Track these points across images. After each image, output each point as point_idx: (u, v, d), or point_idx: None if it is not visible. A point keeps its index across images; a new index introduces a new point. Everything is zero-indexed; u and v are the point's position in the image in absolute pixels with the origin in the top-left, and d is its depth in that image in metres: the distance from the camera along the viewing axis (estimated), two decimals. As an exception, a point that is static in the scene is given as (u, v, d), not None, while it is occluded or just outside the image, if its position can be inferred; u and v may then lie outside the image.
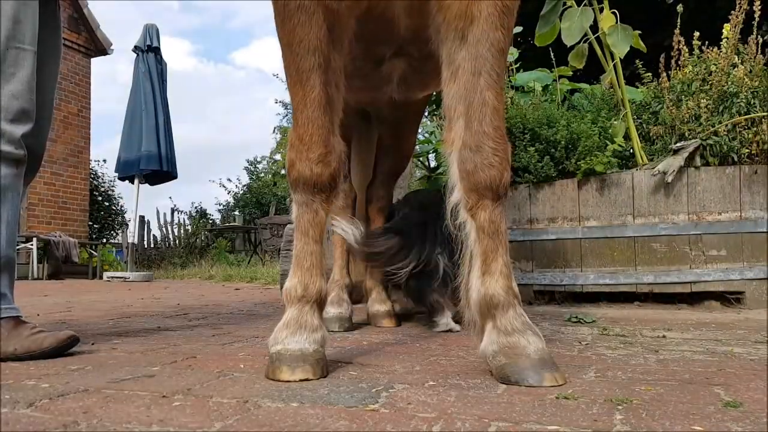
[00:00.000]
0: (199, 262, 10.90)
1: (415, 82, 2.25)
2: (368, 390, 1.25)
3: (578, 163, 3.26)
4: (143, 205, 24.57)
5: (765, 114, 3.16)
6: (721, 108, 3.29)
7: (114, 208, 13.29)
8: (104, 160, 13.15)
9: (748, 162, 3.15)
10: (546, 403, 1.14)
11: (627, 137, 3.32)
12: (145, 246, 12.99)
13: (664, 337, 2.09)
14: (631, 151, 3.36)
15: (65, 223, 10.66)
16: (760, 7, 3.46)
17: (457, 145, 1.45)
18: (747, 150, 3.17)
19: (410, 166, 4.89)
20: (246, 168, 19.43)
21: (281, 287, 1.97)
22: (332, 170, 1.52)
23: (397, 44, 1.94)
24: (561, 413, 1.06)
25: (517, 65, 4.61)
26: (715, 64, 3.40)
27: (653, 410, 1.09)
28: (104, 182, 13.09)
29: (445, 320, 2.26)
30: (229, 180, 18.76)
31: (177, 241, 13.48)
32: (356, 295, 2.71)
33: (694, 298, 3.11)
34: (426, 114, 4.92)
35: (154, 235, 13.61)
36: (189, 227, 14.11)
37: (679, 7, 3.57)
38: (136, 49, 9.18)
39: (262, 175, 18.91)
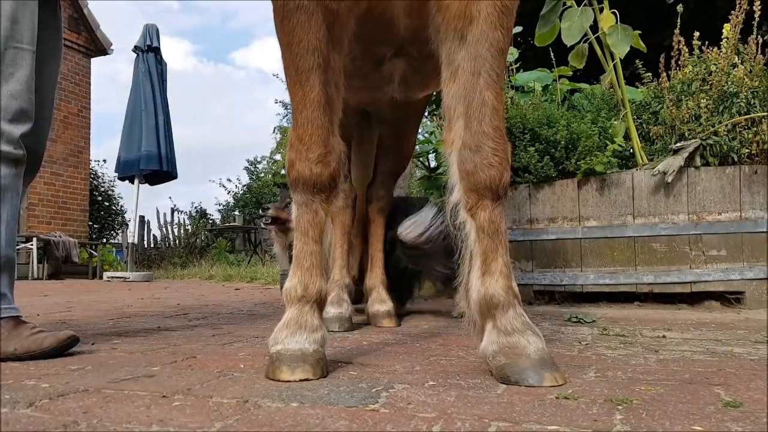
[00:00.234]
0: (199, 262, 10.89)
1: (416, 82, 2.25)
2: (368, 390, 1.25)
3: (578, 163, 3.26)
4: (143, 205, 24.61)
5: (765, 114, 3.16)
6: (721, 108, 3.29)
7: (114, 208, 13.29)
8: (104, 160, 13.18)
9: (748, 162, 3.15)
10: (546, 403, 1.14)
11: (627, 137, 3.32)
12: (145, 246, 12.99)
13: (664, 337, 2.09)
14: (631, 151, 3.36)
15: (65, 223, 10.66)
16: (760, 7, 3.46)
17: (456, 145, 1.45)
18: (747, 150, 3.17)
19: (410, 166, 4.89)
20: (246, 168, 19.45)
21: (281, 287, 1.97)
22: (332, 170, 1.52)
23: (397, 44, 1.94)
24: (561, 413, 1.06)
25: (517, 65, 4.61)
26: (715, 64, 3.40)
27: (653, 410, 1.08)
28: (104, 182, 13.10)
29: None
30: (229, 180, 18.79)
31: (177, 241, 13.47)
32: (356, 295, 2.71)
33: (694, 298, 3.11)
34: (426, 114, 4.92)
35: (154, 235, 13.61)
36: (189, 227, 14.11)
37: (679, 7, 3.56)
38: (136, 49, 9.18)
39: (262, 175, 18.90)
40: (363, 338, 2.12)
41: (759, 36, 3.49)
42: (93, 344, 1.97)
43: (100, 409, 1.10)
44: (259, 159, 19.76)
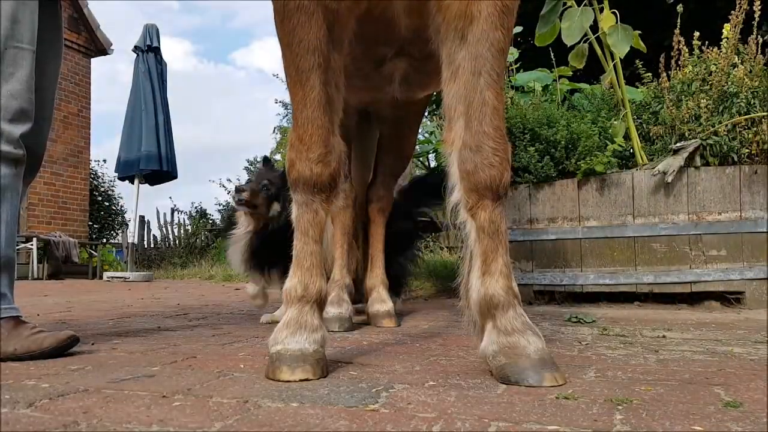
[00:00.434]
0: (199, 262, 10.88)
1: (417, 82, 2.25)
2: (368, 390, 1.25)
3: (578, 163, 3.26)
4: (143, 205, 24.56)
5: (765, 114, 3.16)
6: (721, 108, 3.29)
7: (114, 208, 13.28)
8: (104, 160, 13.17)
9: (748, 162, 3.15)
10: (546, 403, 1.14)
11: (627, 137, 3.32)
12: (145, 246, 12.98)
13: (664, 337, 2.09)
14: (631, 151, 3.36)
15: (65, 223, 10.66)
16: (760, 7, 3.46)
17: (457, 145, 1.45)
18: (747, 150, 3.17)
19: (410, 166, 4.89)
20: (246, 168, 19.43)
21: (281, 287, 1.97)
22: (332, 170, 1.52)
23: (398, 44, 1.95)
24: (561, 413, 1.06)
25: (517, 65, 4.61)
26: (715, 64, 3.40)
27: (653, 410, 1.08)
28: (104, 182, 13.09)
29: None
30: (229, 180, 18.72)
31: (177, 241, 13.46)
32: (357, 295, 2.71)
33: (694, 298, 3.11)
34: (426, 114, 4.92)
35: (154, 235, 13.59)
36: (189, 227, 14.09)
37: (679, 7, 3.56)
38: (136, 49, 9.18)
39: (262, 175, 18.88)
40: (363, 338, 2.12)
41: (759, 36, 3.49)
42: (93, 344, 1.97)
43: (100, 409, 1.10)
44: (259, 159, 19.76)
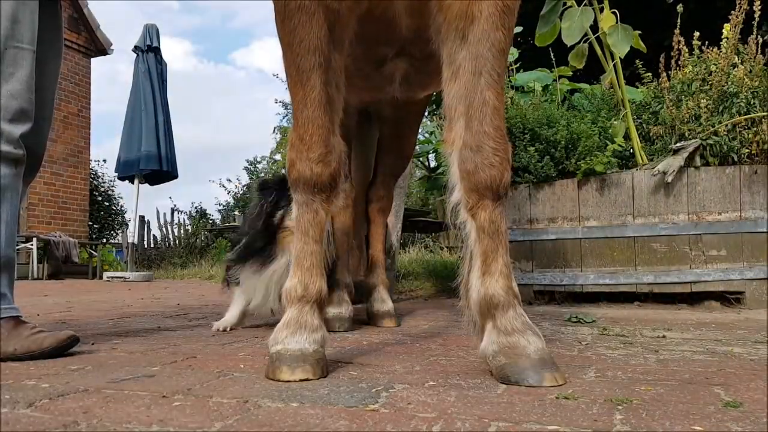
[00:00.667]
0: (199, 262, 10.88)
1: (417, 82, 2.25)
2: (368, 390, 1.25)
3: (578, 163, 3.26)
4: (143, 205, 24.60)
5: (765, 114, 3.16)
6: (721, 108, 3.29)
7: (114, 208, 13.28)
8: (104, 160, 13.18)
9: (748, 162, 3.15)
10: (546, 403, 1.14)
11: (627, 137, 3.33)
12: (145, 246, 12.98)
13: (664, 337, 2.09)
14: (631, 151, 3.36)
15: (65, 223, 10.66)
16: (760, 7, 3.46)
17: (457, 145, 1.45)
18: (747, 150, 3.17)
19: (410, 166, 4.89)
20: (246, 168, 19.46)
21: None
22: (332, 170, 1.52)
23: (398, 44, 1.94)
24: (561, 413, 1.06)
25: (517, 65, 4.61)
26: (715, 64, 3.40)
27: (653, 410, 1.08)
28: (104, 182, 13.09)
29: None
30: (229, 180, 18.79)
31: (177, 241, 13.46)
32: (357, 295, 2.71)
33: (694, 298, 3.11)
34: (426, 114, 4.92)
35: (154, 235, 13.60)
36: (189, 227, 14.09)
37: (679, 7, 3.56)
38: (136, 49, 9.18)
39: (262, 175, 18.92)
40: (363, 338, 2.12)
41: (759, 36, 3.49)
42: (93, 344, 1.97)
43: (100, 409, 1.10)
44: (259, 159, 19.81)
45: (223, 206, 17.94)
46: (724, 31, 3.54)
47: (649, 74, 3.79)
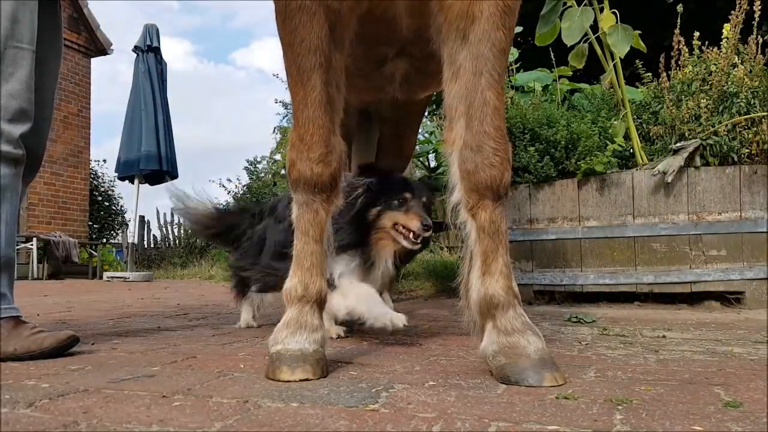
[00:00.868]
0: (199, 262, 10.87)
1: (418, 82, 2.25)
2: (368, 390, 1.25)
3: (578, 163, 3.26)
4: (143, 205, 24.59)
5: (765, 114, 3.16)
6: (721, 108, 3.29)
7: (114, 208, 13.28)
8: (104, 160, 13.16)
9: (748, 162, 3.15)
10: (546, 403, 1.14)
11: (627, 137, 3.32)
12: (145, 246, 12.97)
13: (664, 337, 2.09)
14: (631, 151, 3.36)
15: (65, 223, 10.65)
16: (760, 7, 3.46)
17: (457, 145, 1.45)
18: (747, 150, 3.17)
19: (410, 166, 4.89)
20: (246, 168, 19.44)
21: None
22: (333, 170, 1.52)
23: (399, 44, 1.94)
24: (561, 413, 1.06)
25: (517, 65, 4.61)
26: (715, 64, 3.40)
27: (653, 410, 1.08)
28: (104, 182, 13.09)
29: None
30: (229, 180, 18.76)
31: (177, 241, 13.45)
32: None
33: (694, 298, 3.11)
34: (426, 114, 4.92)
35: (154, 235, 13.59)
36: (189, 227, 14.07)
37: (679, 7, 3.56)
38: (136, 49, 9.18)
39: (262, 175, 18.90)
40: (363, 338, 2.12)
41: (759, 36, 3.49)
42: (93, 344, 1.97)
43: (100, 409, 1.10)
44: (259, 159, 19.77)
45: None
46: (724, 31, 3.54)
47: (649, 74, 3.79)
